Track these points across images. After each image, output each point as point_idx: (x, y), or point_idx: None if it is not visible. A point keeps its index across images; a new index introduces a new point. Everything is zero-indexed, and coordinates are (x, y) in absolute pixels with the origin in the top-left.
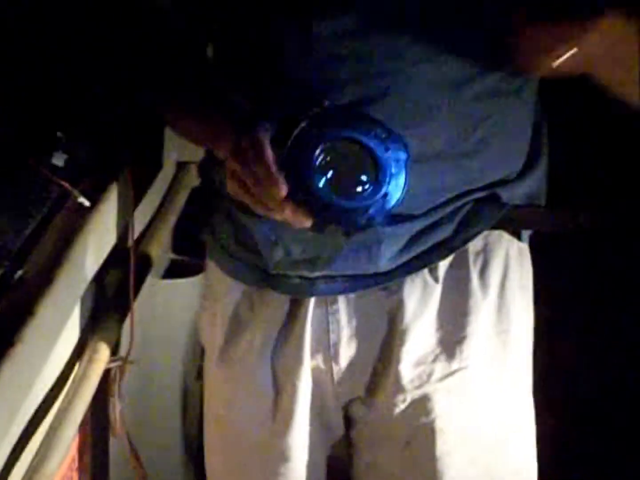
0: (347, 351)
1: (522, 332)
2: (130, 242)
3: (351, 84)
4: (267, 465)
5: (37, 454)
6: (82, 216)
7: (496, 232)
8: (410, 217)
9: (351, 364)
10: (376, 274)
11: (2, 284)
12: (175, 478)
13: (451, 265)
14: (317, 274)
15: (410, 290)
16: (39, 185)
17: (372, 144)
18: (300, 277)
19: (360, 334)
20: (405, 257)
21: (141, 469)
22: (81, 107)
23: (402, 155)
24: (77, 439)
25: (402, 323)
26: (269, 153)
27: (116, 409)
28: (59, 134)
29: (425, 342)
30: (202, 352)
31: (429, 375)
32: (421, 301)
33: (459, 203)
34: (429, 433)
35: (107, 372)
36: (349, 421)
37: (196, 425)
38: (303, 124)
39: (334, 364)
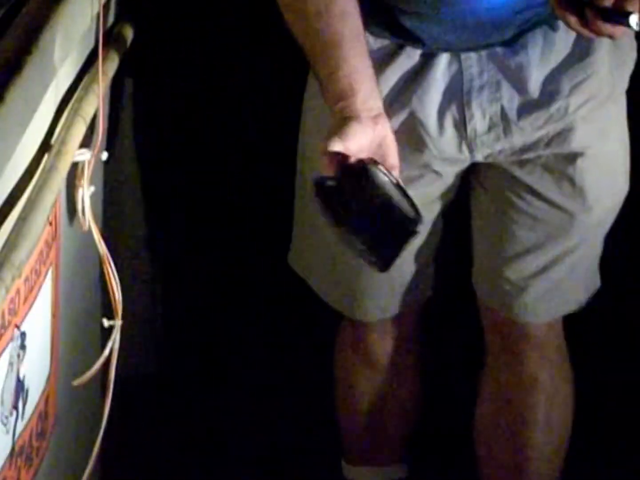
0: (478, 99)
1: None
2: (99, 34)
3: None
4: None
5: (6, 243)
6: (50, 6)
7: None
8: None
9: (483, 112)
10: (505, 42)
11: None
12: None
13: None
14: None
15: (533, 44)
16: None
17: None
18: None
19: (491, 85)
20: (528, 27)
21: (109, 262)
22: None
23: None
24: (45, 232)
25: (530, 72)
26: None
27: (84, 201)
28: None
29: (556, 84)
30: None
31: (565, 108)
32: (544, 51)
33: None
34: (570, 158)
35: (75, 165)
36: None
37: None
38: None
39: (466, 110)
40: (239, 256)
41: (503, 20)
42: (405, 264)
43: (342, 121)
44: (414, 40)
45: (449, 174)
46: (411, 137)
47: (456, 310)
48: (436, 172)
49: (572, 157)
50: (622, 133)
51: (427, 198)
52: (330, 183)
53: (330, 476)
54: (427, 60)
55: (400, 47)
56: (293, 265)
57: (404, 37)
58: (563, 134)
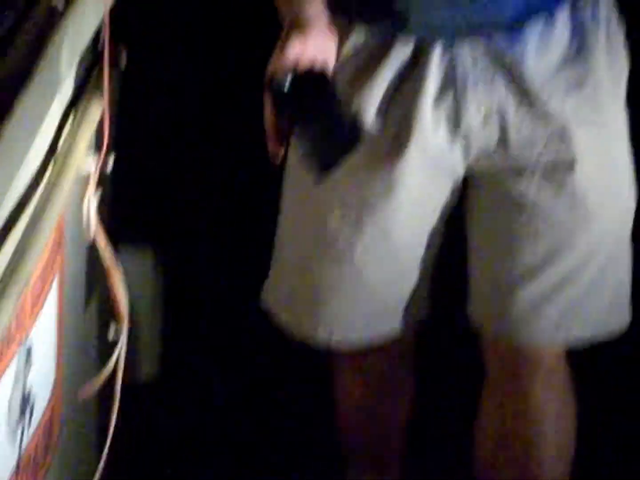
0: (472, 94)
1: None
2: (105, 45)
3: None
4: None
5: (14, 253)
6: (55, 20)
7: None
8: None
9: (477, 107)
10: (500, 25)
11: None
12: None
13: (569, 16)
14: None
15: (529, 39)
16: None
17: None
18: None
19: (486, 80)
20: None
21: (117, 270)
22: None
23: None
24: (51, 241)
25: (525, 69)
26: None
27: (90, 209)
28: None
29: (553, 82)
30: None
31: (562, 108)
32: (540, 48)
33: None
34: (568, 164)
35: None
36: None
37: None
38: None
39: (461, 104)
40: (245, 258)
41: None
42: (394, 287)
43: (299, 23)
44: (403, 22)
45: (444, 186)
46: (404, 136)
47: (451, 336)
48: (431, 181)
49: (571, 164)
50: (623, 140)
51: (422, 210)
52: (286, 87)
53: (330, 477)
54: (419, 56)
55: (391, 40)
56: (267, 303)
57: (393, 22)
58: (560, 136)
